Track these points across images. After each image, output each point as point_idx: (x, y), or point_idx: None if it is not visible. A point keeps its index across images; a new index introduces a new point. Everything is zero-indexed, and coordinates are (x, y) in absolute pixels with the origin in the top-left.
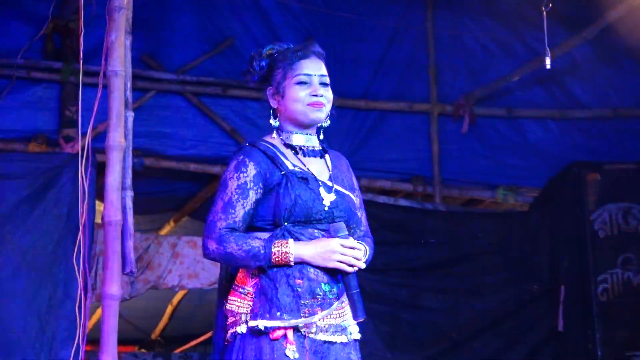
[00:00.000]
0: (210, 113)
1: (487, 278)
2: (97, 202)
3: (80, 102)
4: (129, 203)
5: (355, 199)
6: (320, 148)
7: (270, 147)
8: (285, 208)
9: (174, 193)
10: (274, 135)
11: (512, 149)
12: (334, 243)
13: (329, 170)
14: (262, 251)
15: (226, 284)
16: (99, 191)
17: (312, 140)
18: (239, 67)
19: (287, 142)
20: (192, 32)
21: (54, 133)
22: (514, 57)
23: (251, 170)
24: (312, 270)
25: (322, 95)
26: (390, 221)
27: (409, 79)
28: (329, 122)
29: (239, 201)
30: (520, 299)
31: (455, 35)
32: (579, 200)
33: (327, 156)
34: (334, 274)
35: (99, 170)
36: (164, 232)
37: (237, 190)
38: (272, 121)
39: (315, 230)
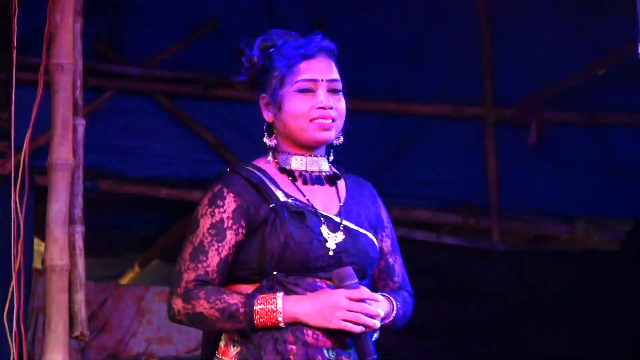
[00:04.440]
0: (188, 120)
1: (563, 339)
2: (35, 240)
3: (13, 106)
4: (79, 242)
5: (382, 239)
6: (331, 172)
7: (257, 172)
8: (272, 253)
9: (139, 227)
10: (270, 157)
11: (594, 166)
12: (338, 296)
13: (340, 202)
14: (242, 309)
15: (208, 353)
16: (38, 225)
17: (317, 164)
18: (226, 58)
19: (283, 167)
20: (163, 13)
21: None
22: (596, 45)
23: (230, 204)
24: (309, 332)
25: (331, 108)
26: (431, 265)
27: (454, 74)
28: (341, 139)
29: (213, 245)
30: None
31: (518, 15)
32: None
33: (341, 183)
34: (342, 337)
35: (39, 197)
36: (125, 280)
37: (210, 231)
38: (266, 140)
39: (317, 280)
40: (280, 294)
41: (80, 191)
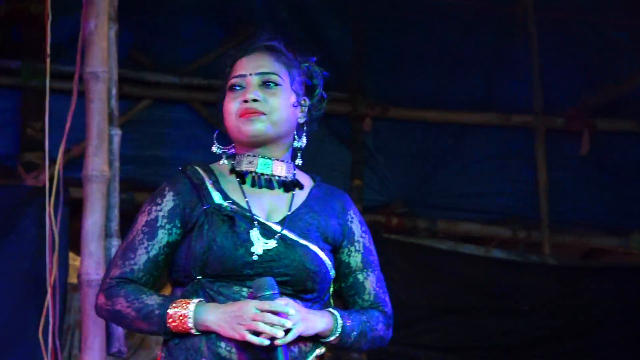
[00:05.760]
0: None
1: (618, 356)
2: (71, 254)
3: (47, 116)
4: None
5: (350, 255)
6: (287, 179)
7: (202, 172)
8: (195, 257)
9: None
10: (224, 160)
11: None
12: (248, 307)
13: (289, 210)
14: (157, 311)
15: None
16: (73, 239)
17: (271, 167)
18: None
19: (234, 168)
20: (200, 19)
21: (10, 159)
22: None
23: (167, 202)
24: (223, 344)
25: (255, 100)
26: (479, 279)
27: (500, 81)
28: (304, 140)
29: (143, 243)
30: None
31: (568, 17)
32: None
33: (301, 192)
34: (257, 352)
35: (74, 209)
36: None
37: (143, 229)
38: (214, 148)
39: (245, 289)
40: (196, 300)
41: (116, 204)
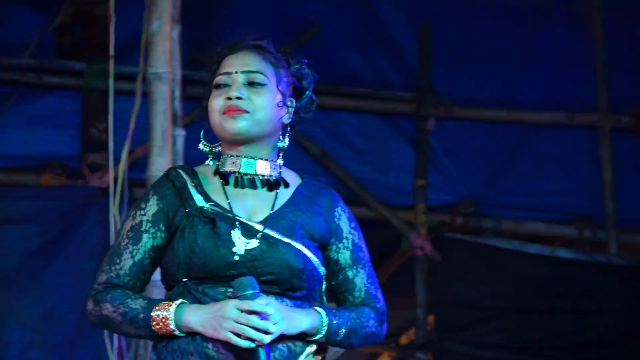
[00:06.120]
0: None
1: None
2: None
3: (111, 117)
4: None
5: (338, 251)
6: (272, 177)
7: (184, 175)
8: (178, 260)
9: None
10: (209, 160)
11: None
12: (228, 306)
13: (272, 209)
14: (142, 315)
15: None
16: None
17: (254, 166)
18: (329, 66)
19: (218, 169)
20: (263, 18)
21: (75, 160)
22: None
23: (151, 207)
24: (210, 344)
25: (239, 98)
26: (544, 279)
27: (566, 80)
28: (286, 141)
29: (128, 248)
30: None
31: (632, 18)
32: None
33: (285, 190)
34: (244, 352)
35: None
36: None
37: (128, 234)
38: (201, 145)
39: (230, 289)
40: (178, 301)
41: None
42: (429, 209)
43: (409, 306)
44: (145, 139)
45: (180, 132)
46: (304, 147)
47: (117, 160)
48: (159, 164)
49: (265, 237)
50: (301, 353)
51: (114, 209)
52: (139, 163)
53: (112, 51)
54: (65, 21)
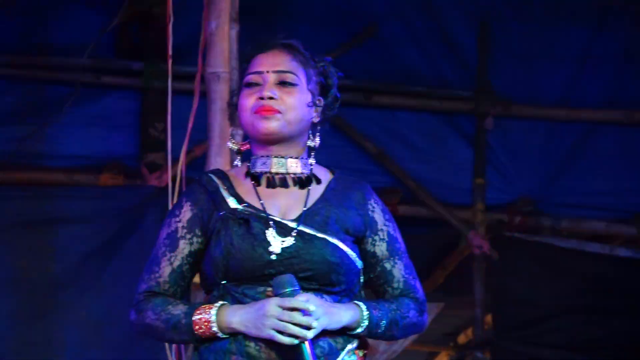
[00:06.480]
0: (349, 129)
1: None
2: None
3: (169, 117)
4: None
5: (375, 244)
6: (303, 175)
7: (216, 179)
8: (216, 263)
9: None
10: (237, 162)
11: None
12: (270, 305)
13: (305, 206)
14: (183, 320)
15: None
16: None
17: (285, 165)
18: (387, 65)
19: (249, 170)
20: (321, 18)
21: (133, 159)
22: None
23: (186, 213)
24: (252, 343)
25: (271, 98)
26: (603, 278)
27: (627, 78)
28: (317, 140)
29: (165, 255)
30: None
31: None
32: None
33: (317, 187)
34: (286, 350)
35: None
36: None
37: (165, 241)
38: (230, 143)
39: (269, 289)
40: (218, 303)
41: None
42: (487, 208)
43: (467, 305)
44: (204, 139)
45: (238, 132)
46: (361, 146)
47: (175, 160)
48: (217, 163)
49: (300, 234)
50: (342, 349)
51: (171, 208)
52: (197, 162)
53: (170, 51)
54: (123, 21)
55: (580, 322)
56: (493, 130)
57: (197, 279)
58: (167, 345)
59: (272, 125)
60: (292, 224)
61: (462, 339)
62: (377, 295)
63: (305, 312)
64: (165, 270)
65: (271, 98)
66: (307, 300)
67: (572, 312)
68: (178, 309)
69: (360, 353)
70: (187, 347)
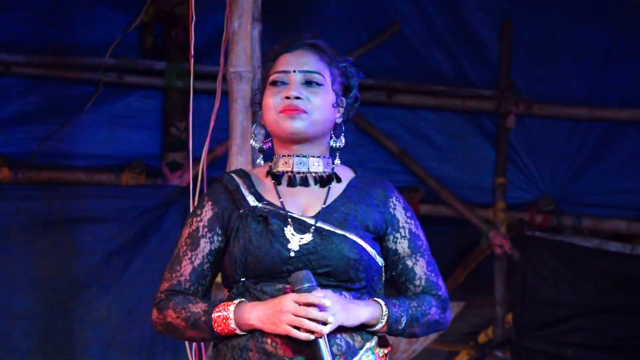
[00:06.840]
0: (371, 128)
1: None
2: None
3: (191, 116)
4: None
5: (396, 241)
6: (324, 173)
7: (237, 178)
8: (235, 260)
9: None
10: (259, 160)
11: None
12: (286, 300)
13: (324, 203)
14: (203, 318)
15: None
16: None
17: (307, 164)
18: (409, 64)
19: (271, 170)
20: (343, 17)
21: (155, 159)
22: None
23: (207, 212)
24: (268, 340)
25: (298, 97)
26: (625, 278)
27: None
28: (343, 140)
29: (187, 254)
30: None
31: None
32: None
33: (338, 185)
34: (302, 346)
35: None
36: None
37: (186, 241)
38: (252, 142)
39: (287, 285)
40: (236, 301)
41: None
42: (509, 207)
43: (488, 304)
44: (225, 138)
45: (260, 131)
46: (383, 145)
47: (196, 159)
48: (239, 163)
49: (318, 231)
50: (361, 348)
51: (193, 207)
52: (219, 162)
53: (192, 50)
54: (146, 21)
55: (602, 321)
56: (515, 129)
57: (219, 278)
58: (187, 344)
59: (298, 125)
60: (311, 221)
61: (482, 338)
62: (399, 293)
63: (321, 308)
64: (186, 269)
65: (298, 98)
66: (324, 296)
67: (594, 311)
68: (198, 307)
69: (380, 353)
70: (208, 346)
